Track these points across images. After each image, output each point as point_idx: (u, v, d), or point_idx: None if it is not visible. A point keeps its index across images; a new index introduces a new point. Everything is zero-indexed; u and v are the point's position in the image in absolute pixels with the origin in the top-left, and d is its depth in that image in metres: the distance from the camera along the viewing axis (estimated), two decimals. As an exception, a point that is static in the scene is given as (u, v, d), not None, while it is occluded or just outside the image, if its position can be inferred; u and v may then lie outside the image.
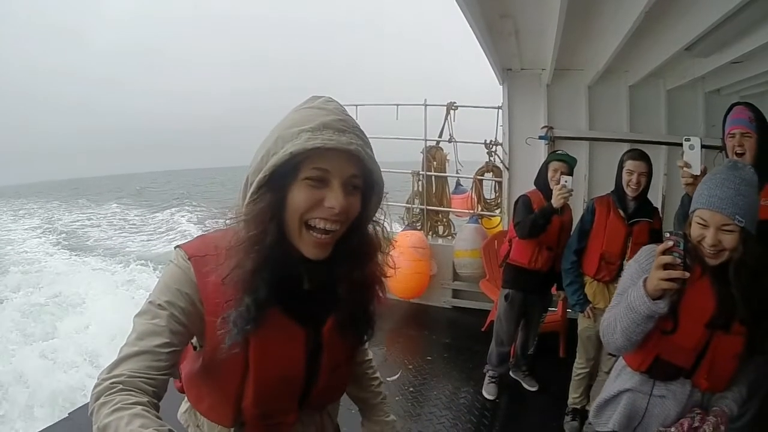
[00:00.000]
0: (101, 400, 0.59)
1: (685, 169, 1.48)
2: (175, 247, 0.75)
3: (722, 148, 1.59)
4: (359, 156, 0.67)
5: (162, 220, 19.20)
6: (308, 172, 0.65)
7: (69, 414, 2.55)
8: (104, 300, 8.25)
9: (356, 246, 0.74)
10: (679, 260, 1.01)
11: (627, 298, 1.11)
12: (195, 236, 0.80)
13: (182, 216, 19.77)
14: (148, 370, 0.63)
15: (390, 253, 0.81)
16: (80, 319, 7.49)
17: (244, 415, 0.77)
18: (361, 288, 0.78)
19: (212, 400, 0.79)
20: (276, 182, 0.66)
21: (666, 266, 1.02)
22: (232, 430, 0.80)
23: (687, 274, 1.00)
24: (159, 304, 0.68)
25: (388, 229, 0.80)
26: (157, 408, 0.61)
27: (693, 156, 1.48)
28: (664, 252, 1.03)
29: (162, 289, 0.70)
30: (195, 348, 0.78)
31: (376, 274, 0.79)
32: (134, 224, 18.84)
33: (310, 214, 0.67)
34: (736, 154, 1.47)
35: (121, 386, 0.60)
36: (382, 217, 0.79)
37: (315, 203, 0.66)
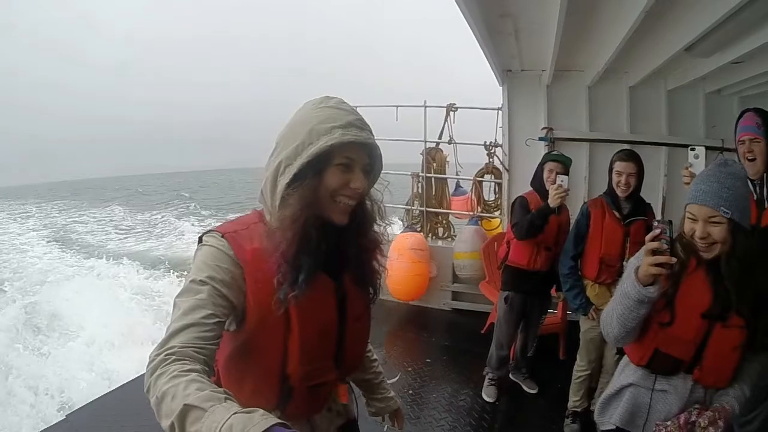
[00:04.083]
0: (157, 372, 0.63)
1: (691, 178, 1.48)
2: (202, 234, 0.83)
3: (726, 150, 1.59)
4: (372, 148, 0.85)
5: (145, 219, 19.29)
6: (340, 159, 0.81)
7: (66, 416, 2.52)
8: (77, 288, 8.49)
9: (359, 215, 0.89)
10: (666, 246, 1.04)
11: (622, 287, 1.16)
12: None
13: (172, 214, 19.95)
14: (197, 341, 0.68)
15: (384, 225, 0.95)
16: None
17: (291, 380, 0.85)
18: (365, 250, 0.93)
19: (256, 377, 0.85)
20: (313, 166, 0.79)
21: (654, 252, 1.05)
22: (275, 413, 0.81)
23: (673, 259, 1.04)
24: (200, 280, 0.75)
25: (383, 209, 0.95)
26: (209, 376, 0.65)
27: (698, 165, 1.53)
28: (653, 239, 1.06)
29: (200, 266, 0.77)
30: (228, 330, 0.82)
31: (375, 239, 0.94)
32: (125, 222, 19.00)
33: (338, 192, 0.82)
34: (748, 160, 1.47)
35: (174, 357, 0.65)
36: (381, 197, 0.94)
37: (343, 184, 0.82)
